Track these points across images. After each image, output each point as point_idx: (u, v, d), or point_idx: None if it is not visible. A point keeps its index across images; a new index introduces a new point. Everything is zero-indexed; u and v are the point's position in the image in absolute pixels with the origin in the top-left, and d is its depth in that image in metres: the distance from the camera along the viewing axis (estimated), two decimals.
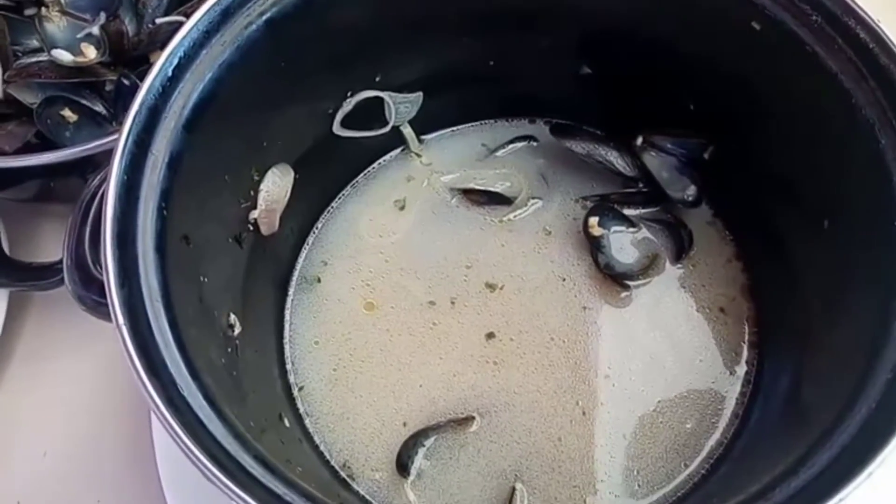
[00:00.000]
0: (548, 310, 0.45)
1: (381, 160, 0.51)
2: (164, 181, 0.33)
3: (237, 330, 0.38)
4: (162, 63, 0.34)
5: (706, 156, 0.45)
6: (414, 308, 0.46)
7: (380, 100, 0.48)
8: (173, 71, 0.35)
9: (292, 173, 0.45)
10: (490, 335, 0.45)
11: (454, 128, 0.52)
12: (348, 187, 0.50)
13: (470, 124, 0.52)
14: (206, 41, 0.36)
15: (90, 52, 0.45)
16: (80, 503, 0.46)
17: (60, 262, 0.46)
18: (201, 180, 0.36)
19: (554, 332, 0.45)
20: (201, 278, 0.35)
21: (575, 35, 0.46)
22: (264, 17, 0.37)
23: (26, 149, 0.45)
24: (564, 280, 0.46)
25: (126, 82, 0.46)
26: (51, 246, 0.53)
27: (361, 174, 0.51)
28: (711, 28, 0.42)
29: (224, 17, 0.36)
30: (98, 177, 0.36)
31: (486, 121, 0.52)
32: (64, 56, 0.45)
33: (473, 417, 0.42)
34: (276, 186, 0.44)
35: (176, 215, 0.33)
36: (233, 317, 0.38)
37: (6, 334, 0.49)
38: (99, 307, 0.34)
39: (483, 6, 0.43)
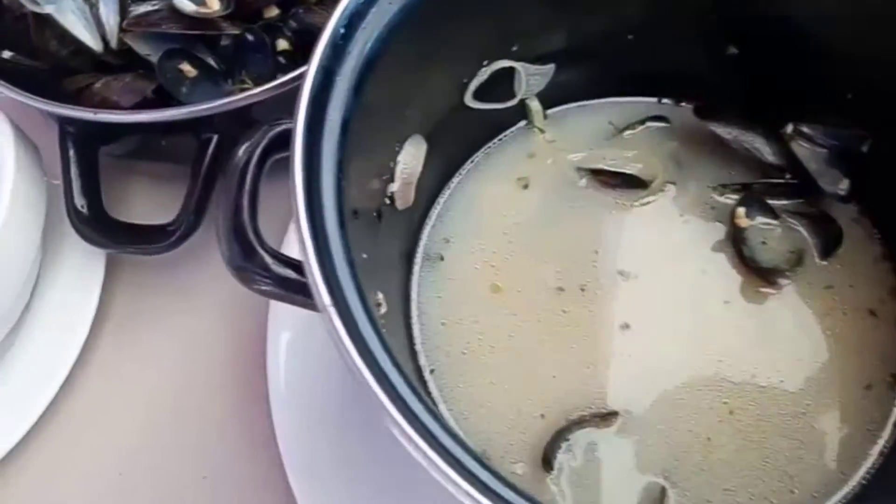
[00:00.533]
0: (686, 302, 0.43)
1: (501, 135, 0.49)
2: (338, 150, 0.30)
3: (384, 309, 0.36)
4: (335, 21, 0.32)
5: (864, 149, 0.43)
6: (542, 293, 0.44)
7: (510, 71, 0.45)
8: (345, 30, 0.32)
9: (425, 145, 0.42)
10: (625, 326, 0.43)
11: (579, 103, 0.50)
12: (468, 163, 0.48)
13: (596, 100, 0.50)
14: None
15: (214, 3, 0.42)
16: (184, 478, 0.44)
17: (171, 224, 0.44)
18: (362, 149, 0.33)
19: (694, 326, 0.42)
20: (363, 255, 0.33)
21: (726, 13, 0.43)
22: None
23: (142, 103, 0.42)
24: (704, 272, 0.44)
25: (250, 38, 0.43)
26: (146, 206, 0.50)
27: (481, 150, 0.48)
28: (884, 11, 0.39)
29: None
30: (251, 140, 0.34)
31: (613, 98, 0.50)
32: (187, 6, 0.42)
33: (617, 413, 0.40)
34: (412, 159, 0.41)
35: (346, 188, 0.31)
36: (380, 295, 0.36)
37: (101, 298, 0.47)
38: (257, 279, 0.32)
39: None
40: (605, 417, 0.40)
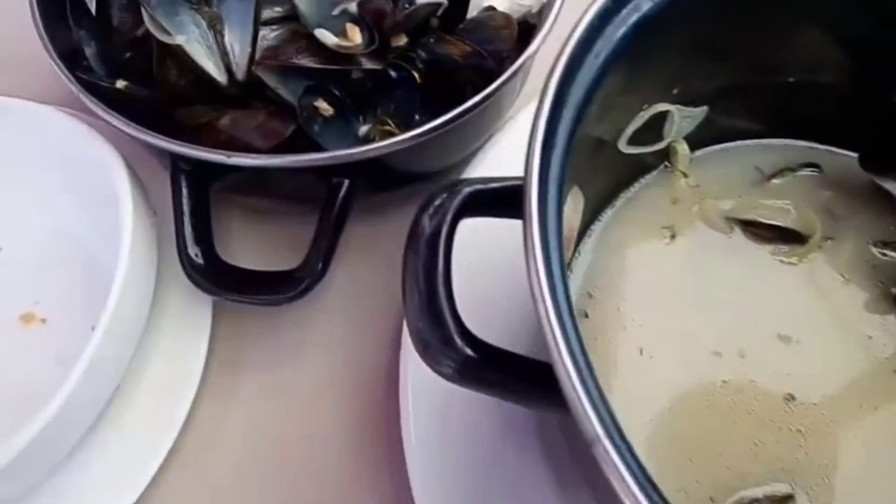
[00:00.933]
0: (853, 370, 0.40)
1: (642, 179, 0.45)
2: (557, 216, 0.27)
3: None
4: (563, 67, 0.28)
5: None
6: (698, 359, 0.40)
7: (663, 114, 0.42)
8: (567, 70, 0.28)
9: (581, 196, 0.39)
10: (789, 397, 0.39)
11: (724, 145, 0.46)
12: (609, 209, 0.44)
13: (742, 142, 0.46)
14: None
15: (356, 36, 0.38)
16: None
17: (298, 271, 0.41)
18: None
19: (864, 398, 0.39)
20: None
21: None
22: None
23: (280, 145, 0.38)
24: (871, 337, 0.41)
25: (393, 73, 0.39)
26: (255, 246, 0.46)
27: (622, 195, 0.45)
28: None
29: None
30: (436, 204, 0.30)
31: (760, 140, 0.46)
32: (328, 38, 0.38)
33: (793, 496, 0.37)
34: (572, 212, 0.38)
35: None
36: None
37: (210, 347, 0.43)
38: (444, 353, 0.28)
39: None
40: (782, 501, 0.37)
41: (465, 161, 0.47)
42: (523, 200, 0.27)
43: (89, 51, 0.42)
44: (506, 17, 0.42)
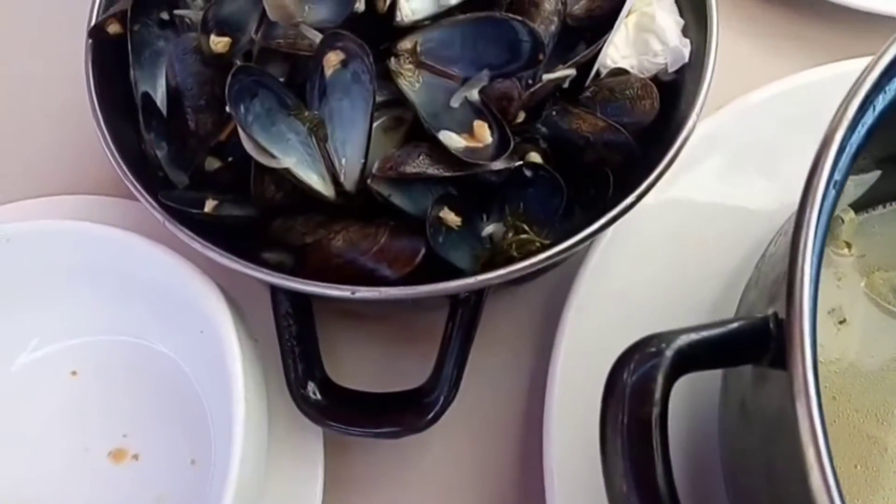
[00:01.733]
0: None
1: None
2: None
3: None
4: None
5: None
6: (889, 471, 0.36)
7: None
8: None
9: None
10: None
11: (886, 205, 0.41)
12: None
13: None
14: None
15: (485, 135, 0.32)
16: None
17: (423, 391, 0.36)
18: None
19: None
20: None
21: None
22: None
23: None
24: None
25: (528, 173, 0.33)
26: (361, 359, 0.41)
27: None
28: None
29: None
30: (637, 359, 0.25)
31: None
32: (456, 142, 0.32)
33: None
34: None
35: None
36: None
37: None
38: None
39: None
40: None
41: None
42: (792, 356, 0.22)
43: (161, 154, 0.36)
44: (644, 84, 0.36)
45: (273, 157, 0.31)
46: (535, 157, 0.34)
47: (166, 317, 0.38)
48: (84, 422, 0.41)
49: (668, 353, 0.25)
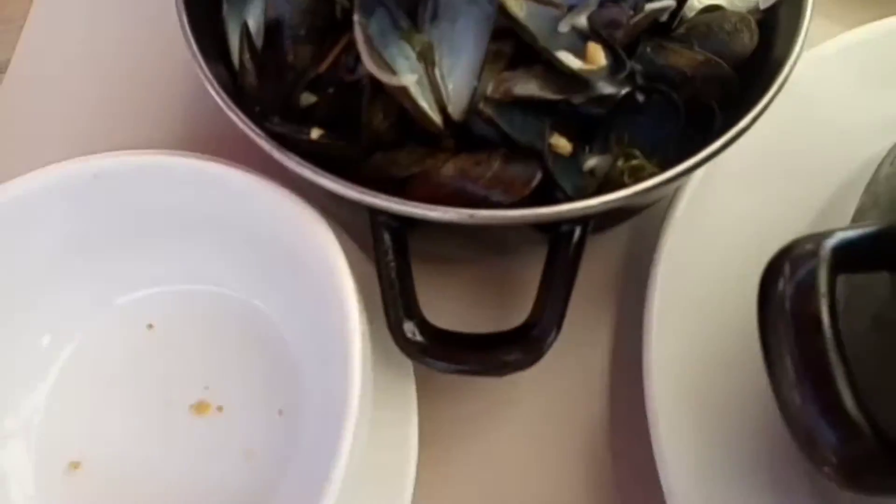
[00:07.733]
0: None
1: None
2: None
3: None
4: None
5: None
6: None
7: None
8: None
9: None
10: None
11: None
12: None
13: None
14: None
15: (599, 57, 0.32)
16: None
17: (527, 328, 0.35)
18: None
19: None
20: None
21: None
22: None
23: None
24: None
25: (640, 98, 0.33)
26: (451, 302, 0.40)
27: None
28: None
29: None
30: (798, 260, 0.24)
31: None
32: (572, 62, 0.31)
33: None
34: None
35: None
36: None
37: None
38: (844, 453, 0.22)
39: None
40: None
41: None
42: None
43: (256, 88, 0.35)
44: (742, 17, 0.36)
45: (394, 73, 0.31)
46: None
47: (259, 261, 0.37)
48: (163, 374, 0.39)
49: (826, 249, 0.25)
